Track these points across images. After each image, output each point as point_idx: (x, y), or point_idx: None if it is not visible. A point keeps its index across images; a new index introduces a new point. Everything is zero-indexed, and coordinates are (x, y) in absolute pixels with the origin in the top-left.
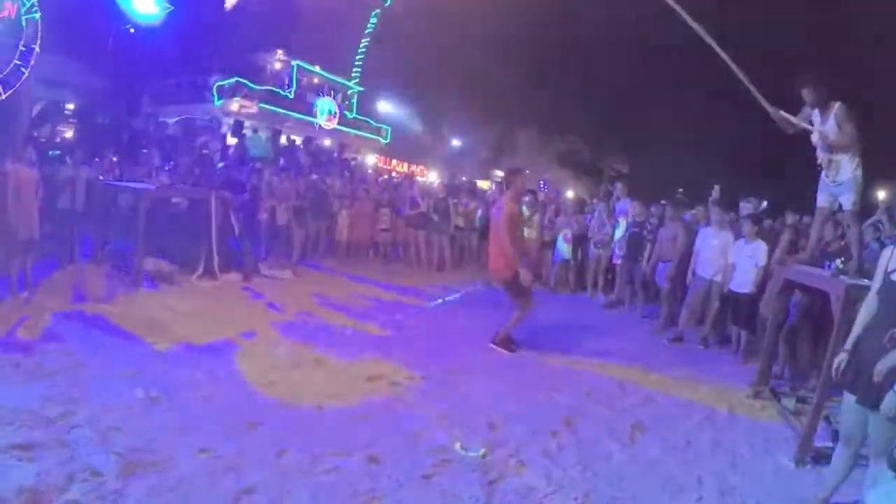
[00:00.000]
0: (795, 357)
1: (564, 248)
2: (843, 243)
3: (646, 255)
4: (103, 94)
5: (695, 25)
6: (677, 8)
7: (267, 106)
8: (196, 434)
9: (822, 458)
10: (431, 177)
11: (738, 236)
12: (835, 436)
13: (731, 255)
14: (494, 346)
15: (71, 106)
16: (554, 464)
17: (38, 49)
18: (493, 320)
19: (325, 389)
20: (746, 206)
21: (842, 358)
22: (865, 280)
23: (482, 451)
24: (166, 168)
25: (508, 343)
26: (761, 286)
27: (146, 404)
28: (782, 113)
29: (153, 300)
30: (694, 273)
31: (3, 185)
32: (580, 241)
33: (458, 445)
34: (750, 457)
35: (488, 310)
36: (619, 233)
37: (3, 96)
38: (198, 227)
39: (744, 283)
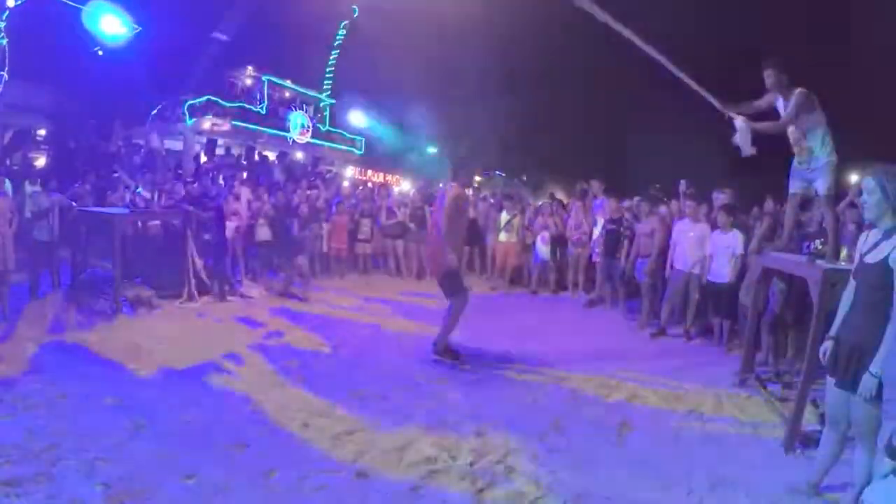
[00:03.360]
0: (778, 344)
1: (543, 249)
2: (822, 226)
3: (624, 251)
4: (74, 118)
5: (645, 46)
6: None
7: (239, 123)
8: (182, 459)
9: (810, 442)
10: (407, 186)
11: (713, 227)
12: (822, 420)
13: (707, 247)
14: (438, 357)
15: (42, 132)
16: (543, 467)
17: (6, 76)
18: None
19: (308, 407)
20: (720, 197)
21: (827, 345)
22: (842, 264)
23: (469, 459)
24: (139, 191)
25: (451, 352)
26: (740, 275)
27: (130, 432)
28: (736, 113)
29: (133, 326)
30: (672, 266)
31: None
32: (559, 241)
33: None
34: (739, 445)
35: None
36: (596, 231)
37: None
38: (175, 249)
39: (722, 273)
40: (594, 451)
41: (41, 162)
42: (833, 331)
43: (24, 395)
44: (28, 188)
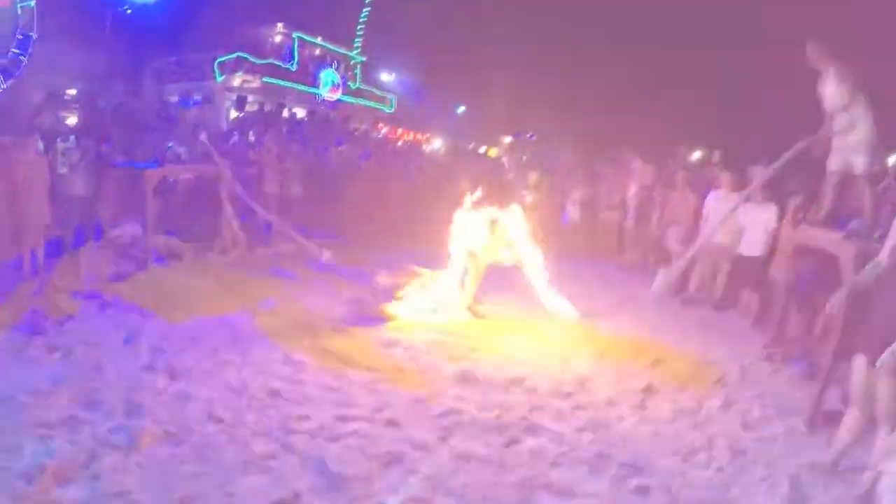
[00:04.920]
0: (808, 322)
1: (573, 212)
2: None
3: (655, 217)
4: (104, 76)
5: None
6: None
7: (269, 80)
8: (215, 404)
9: (833, 421)
10: (437, 144)
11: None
12: (846, 399)
13: (741, 218)
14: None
15: (72, 91)
16: (566, 425)
17: (35, 36)
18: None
19: (342, 355)
20: (757, 170)
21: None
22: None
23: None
24: (171, 145)
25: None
26: (772, 249)
27: (163, 378)
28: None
29: (165, 277)
30: (704, 236)
31: (11, 174)
32: (589, 205)
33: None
34: (761, 419)
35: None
36: (629, 196)
37: (4, 85)
38: (207, 202)
39: (754, 246)
40: (617, 414)
41: (72, 121)
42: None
43: (58, 343)
44: (60, 145)
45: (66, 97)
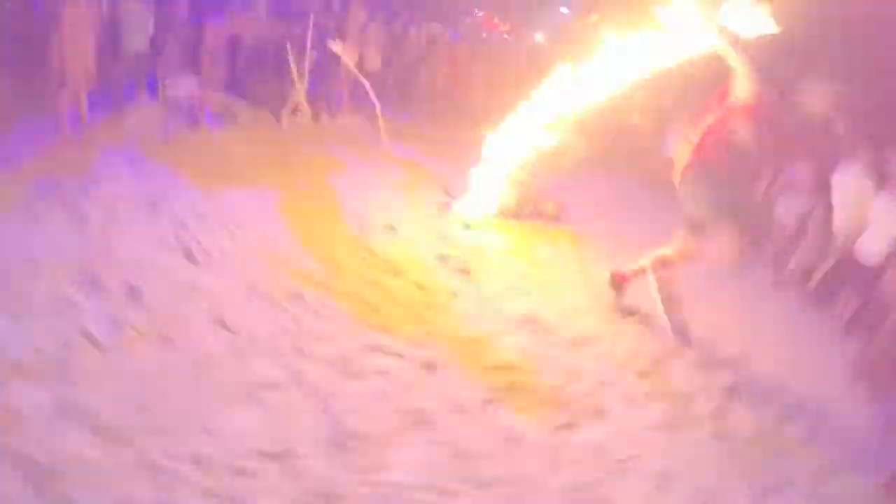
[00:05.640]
0: None
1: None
2: None
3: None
4: None
5: None
6: None
7: None
8: (225, 307)
9: None
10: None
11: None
12: None
13: (868, 211)
14: None
15: None
16: (635, 416)
17: None
18: None
19: (386, 261)
20: None
21: None
22: None
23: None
24: None
25: None
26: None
27: (177, 261)
28: None
29: (212, 141)
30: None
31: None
32: None
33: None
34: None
35: None
36: None
37: None
38: (271, 64)
39: (874, 250)
40: (695, 415)
41: None
42: None
43: (75, 205)
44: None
45: None
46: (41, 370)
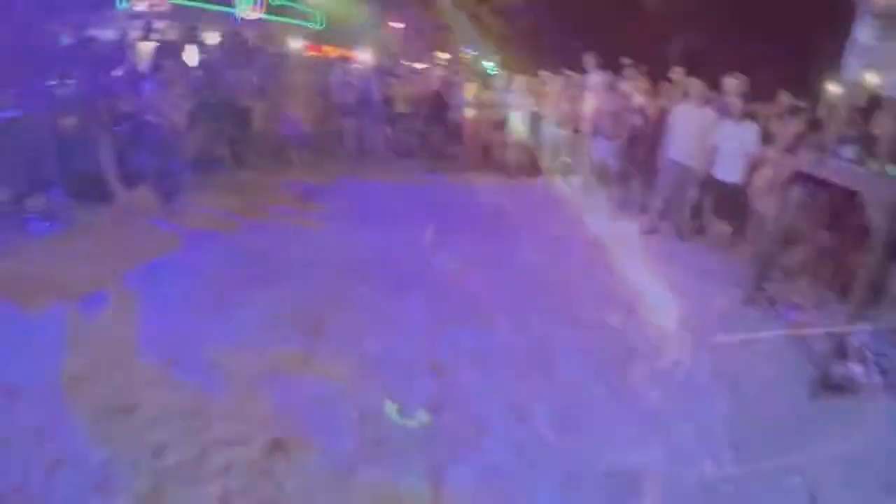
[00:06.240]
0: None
1: (519, 127)
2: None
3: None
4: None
5: None
6: None
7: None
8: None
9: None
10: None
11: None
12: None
13: (713, 138)
14: None
15: None
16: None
17: None
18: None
19: None
20: (732, 83)
21: None
22: None
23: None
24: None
25: None
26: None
27: None
28: None
29: (38, 247)
30: (667, 157)
31: None
32: (538, 119)
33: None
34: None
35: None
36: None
37: None
38: (94, 148)
39: (731, 170)
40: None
41: None
42: None
43: None
44: None
45: None
46: None
